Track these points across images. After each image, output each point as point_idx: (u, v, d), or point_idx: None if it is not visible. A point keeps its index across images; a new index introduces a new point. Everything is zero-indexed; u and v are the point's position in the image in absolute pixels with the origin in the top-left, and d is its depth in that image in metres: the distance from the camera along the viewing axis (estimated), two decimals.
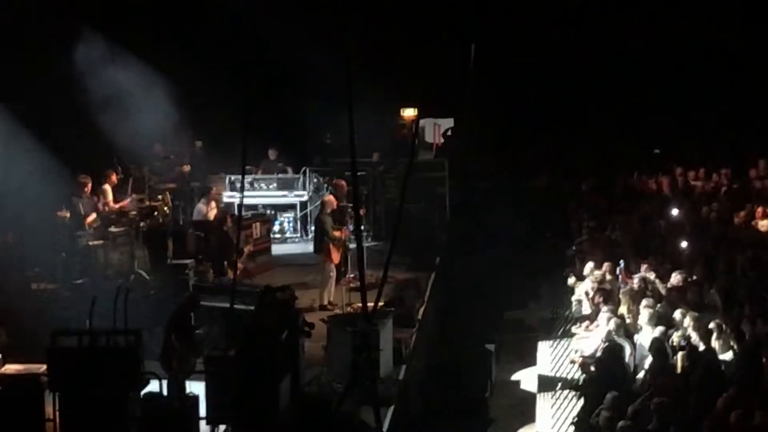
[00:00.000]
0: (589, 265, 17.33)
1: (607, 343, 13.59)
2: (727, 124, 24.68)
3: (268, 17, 18.89)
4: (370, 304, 12.88)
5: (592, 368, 13.55)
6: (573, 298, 17.10)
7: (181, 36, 21.57)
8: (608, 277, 16.65)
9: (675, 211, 20.30)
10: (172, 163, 21.14)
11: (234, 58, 16.85)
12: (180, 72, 20.24)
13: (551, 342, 16.48)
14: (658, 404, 11.29)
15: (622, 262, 16.84)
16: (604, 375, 12.92)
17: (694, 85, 25.49)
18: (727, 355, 12.90)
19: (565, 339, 16.11)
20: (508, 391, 17.03)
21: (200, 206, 19.36)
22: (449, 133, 26.48)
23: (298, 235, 22.20)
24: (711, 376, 12.02)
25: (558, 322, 17.35)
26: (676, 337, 13.31)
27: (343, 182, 18.62)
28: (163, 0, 21.57)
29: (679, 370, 12.56)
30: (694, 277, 15.95)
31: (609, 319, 14.37)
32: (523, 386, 16.95)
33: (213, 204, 19.46)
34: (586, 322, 15.89)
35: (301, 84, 22.62)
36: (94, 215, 17.57)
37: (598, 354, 13.71)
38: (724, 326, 13.31)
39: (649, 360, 13.12)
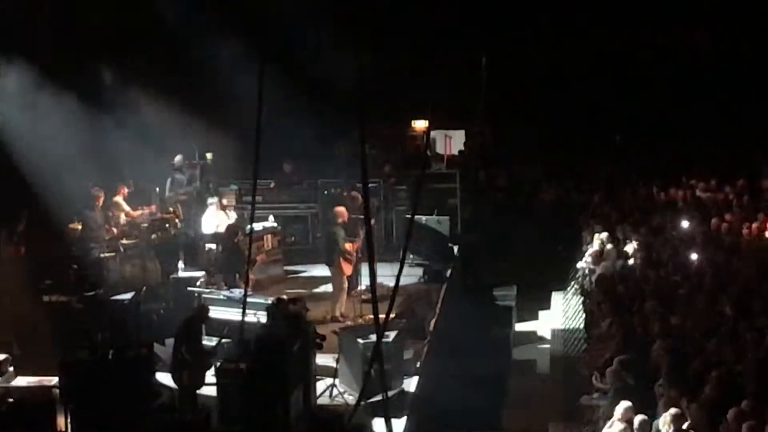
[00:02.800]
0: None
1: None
2: (739, 135, 24.64)
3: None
4: (382, 316, 12.86)
5: None
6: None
7: (195, 45, 21.59)
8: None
9: (686, 223, 20.23)
10: (188, 175, 21.16)
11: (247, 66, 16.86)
12: (192, 84, 20.32)
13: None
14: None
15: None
16: None
17: (705, 96, 25.47)
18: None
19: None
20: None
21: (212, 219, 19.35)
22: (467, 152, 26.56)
23: (310, 247, 22.12)
24: (724, 386, 11.99)
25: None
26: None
27: (358, 194, 18.58)
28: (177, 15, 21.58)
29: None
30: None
31: None
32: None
33: (224, 217, 19.45)
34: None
35: (314, 95, 22.62)
36: (115, 230, 17.64)
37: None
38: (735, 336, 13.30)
39: None
